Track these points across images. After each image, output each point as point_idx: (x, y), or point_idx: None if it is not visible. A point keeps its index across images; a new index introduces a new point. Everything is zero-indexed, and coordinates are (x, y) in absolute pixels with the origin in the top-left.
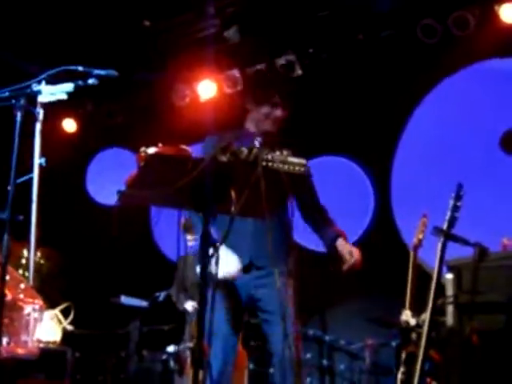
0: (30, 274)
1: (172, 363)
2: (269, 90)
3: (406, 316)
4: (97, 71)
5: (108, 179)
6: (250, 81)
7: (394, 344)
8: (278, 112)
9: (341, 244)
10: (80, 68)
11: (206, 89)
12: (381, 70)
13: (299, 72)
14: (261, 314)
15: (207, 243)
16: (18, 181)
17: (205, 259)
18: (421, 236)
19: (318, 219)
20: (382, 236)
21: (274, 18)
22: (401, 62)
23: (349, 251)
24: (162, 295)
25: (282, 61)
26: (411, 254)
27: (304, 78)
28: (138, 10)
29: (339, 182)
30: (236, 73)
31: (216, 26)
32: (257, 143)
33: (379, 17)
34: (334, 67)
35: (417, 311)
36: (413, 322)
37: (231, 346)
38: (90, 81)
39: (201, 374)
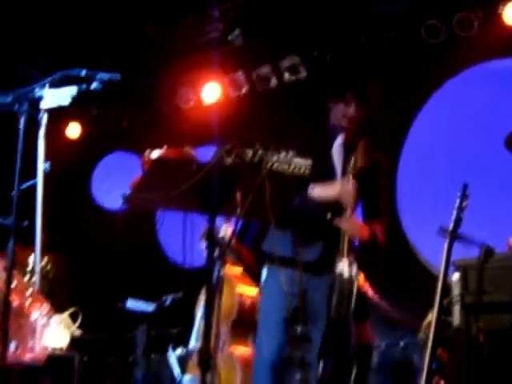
0: (36, 279)
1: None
2: (340, 86)
3: (343, 265)
4: (100, 75)
5: (114, 184)
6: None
7: (401, 344)
8: (351, 111)
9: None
10: (83, 72)
11: (211, 92)
12: (385, 70)
13: (304, 74)
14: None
15: (213, 244)
16: (22, 186)
17: (211, 260)
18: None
19: None
20: (387, 237)
21: (277, 20)
22: (405, 63)
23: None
24: (169, 299)
25: (286, 63)
26: None
27: (309, 80)
28: (141, 14)
29: None
30: (241, 75)
31: (219, 30)
32: None
33: (383, 18)
34: (339, 69)
35: (422, 312)
36: (347, 273)
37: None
38: (94, 85)
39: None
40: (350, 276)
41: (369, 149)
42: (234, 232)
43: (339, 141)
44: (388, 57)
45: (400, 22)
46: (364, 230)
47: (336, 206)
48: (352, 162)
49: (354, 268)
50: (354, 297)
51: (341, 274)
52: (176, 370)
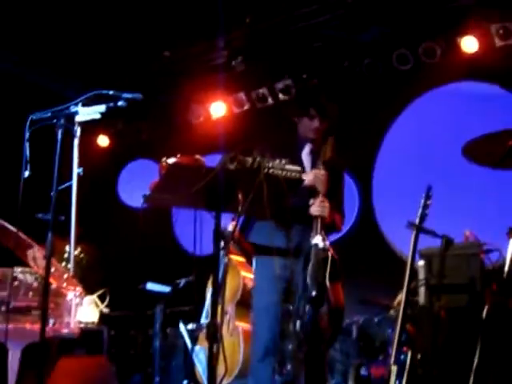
0: (71, 265)
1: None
2: (304, 105)
3: (317, 239)
4: (125, 95)
5: (136, 186)
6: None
7: (376, 319)
8: (316, 123)
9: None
10: (111, 92)
11: (218, 109)
12: (363, 91)
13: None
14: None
15: (218, 237)
16: (60, 187)
17: (217, 251)
18: None
19: None
20: (365, 230)
21: (273, 48)
22: (379, 85)
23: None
24: (182, 282)
25: (280, 85)
26: None
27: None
28: (158, 43)
29: None
30: (242, 95)
31: (224, 57)
32: None
33: (362, 47)
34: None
35: (393, 294)
36: (321, 244)
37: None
38: (120, 103)
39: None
40: (324, 246)
41: (334, 144)
42: (236, 227)
43: (307, 149)
44: (365, 79)
45: (375, 51)
46: (329, 211)
47: (311, 192)
48: (322, 152)
49: (327, 242)
50: (329, 263)
51: (316, 245)
52: (186, 339)
